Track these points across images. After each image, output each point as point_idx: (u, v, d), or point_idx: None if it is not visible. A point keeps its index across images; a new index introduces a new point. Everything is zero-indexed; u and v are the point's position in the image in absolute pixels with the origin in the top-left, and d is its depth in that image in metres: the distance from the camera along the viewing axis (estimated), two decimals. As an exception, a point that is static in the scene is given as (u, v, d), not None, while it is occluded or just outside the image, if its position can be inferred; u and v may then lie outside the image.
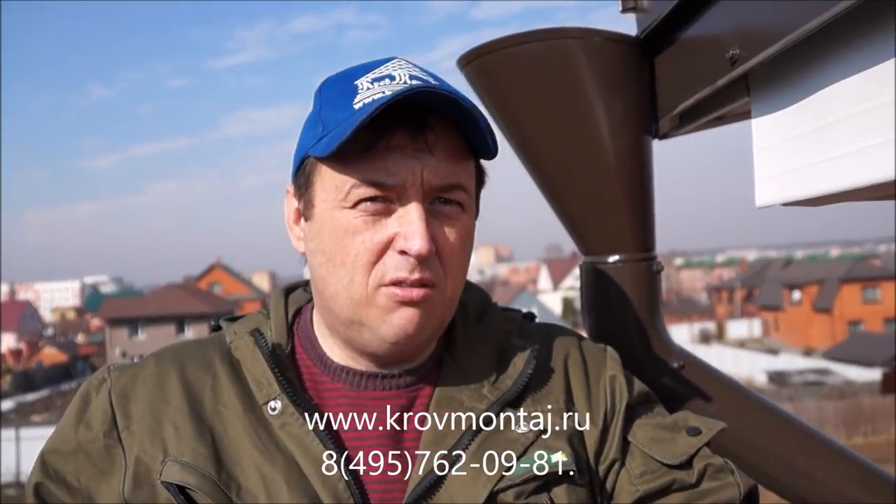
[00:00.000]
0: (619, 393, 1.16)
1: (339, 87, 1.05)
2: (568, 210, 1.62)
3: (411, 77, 1.03)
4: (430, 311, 1.05)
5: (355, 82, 1.04)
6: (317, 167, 1.05)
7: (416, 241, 1.00)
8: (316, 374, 1.12)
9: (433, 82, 1.03)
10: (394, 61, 1.06)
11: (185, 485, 1.01)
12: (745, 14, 1.28)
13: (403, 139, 1.01)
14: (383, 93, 0.99)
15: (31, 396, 46.76)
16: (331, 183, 1.03)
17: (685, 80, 1.47)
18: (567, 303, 75.03)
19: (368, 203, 1.02)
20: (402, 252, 1.01)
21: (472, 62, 1.60)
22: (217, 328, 1.20)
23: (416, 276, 1.02)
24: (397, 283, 1.02)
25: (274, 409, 1.06)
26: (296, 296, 1.21)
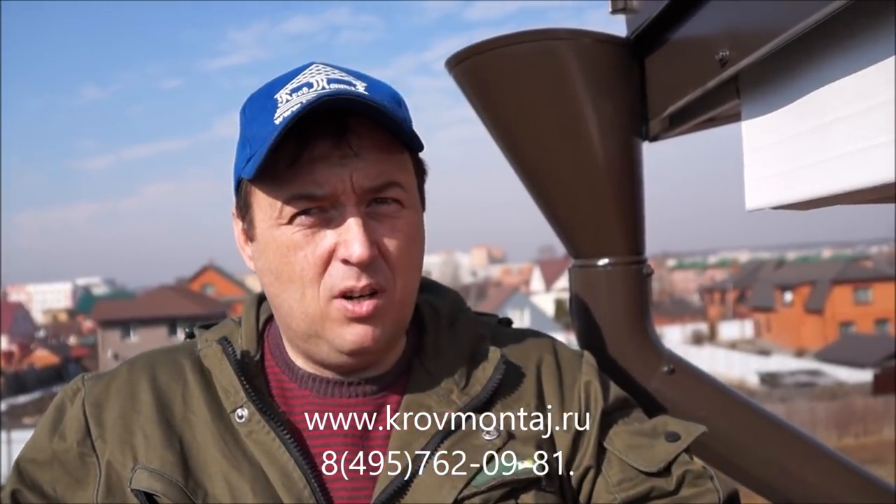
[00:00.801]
0: (593, 398, 1.15)
1: (259, 104, 1.04)
2: (557, 213, 1.61)
3: (329, 81, 1.02)
4: (383, 320, 1.04)
5: (275, 96, 1.03)
6: (251, 188, 1.05)
7: (356, 247, 0.99)
8: (284, 381, 1.12)
9: (350, 85, 1.02)
10: (311, 67, 1.05)
11: (153, 492, 1.01)
12: (735, 15, 1.26)
13: (326, 148, 1.00)
14: (301, 103, 0.98)
15: (22, 399, 46.54)
16: (265, 202, 1.03)
17: (675, 81, 1.46)
18: (560, 304, 75.08)
19: (303, 217, 1.01)
20: (345, 261, 1.01)
21: (460, 63, 1.59)
22: (192, 335, 1.20)
23: (363, 282, 1.01)
24: (347, 295, 1.02)
25: (241, 417, 1.06)
26: (268, 303, 1.20)
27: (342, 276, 1.01)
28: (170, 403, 1.09)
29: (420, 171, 1.11)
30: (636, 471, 1.12)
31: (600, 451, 1.13)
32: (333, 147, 1.00)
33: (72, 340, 77.91)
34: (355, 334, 1.03)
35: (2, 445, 25.68)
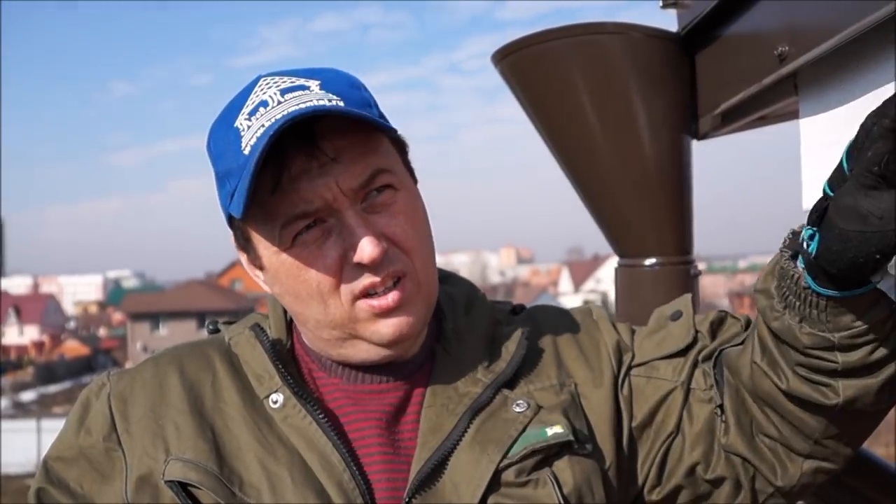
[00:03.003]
0: (621, 349, 1.16)
1: (222, 137, 1.02)
2: (603, 211, 1.58)
3: (283, 92, 1.00)
4: (413, 303, 1.04)
5: (234, 125, 1.01)
6: (243, 224, 1.04)
7: (366, 248, 0.98)
8: (314, 369, 1.11)
9: (304, 89, 1.00)
10: (260, 83, 1.03)
11: (188, 481, 1.00)
12: (794, 10, 1.24)
13: (302, 162, 0.98)
14: (263, 125, 0.97)
15: (52, 388, 47.24)
16: (262, 233, 1.02)
17: (728, 77, 1.43)
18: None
19: (304, 235, 1.00)
20: (359, 263, 1.00)
21: (506, 57, 1.57)
22: (216, 331, 1.20)
23: (382, 275, 1.00)
24: (371, 293, 1.01)
25: (275, 403, 1.06)
26: None
27: (359, 278, 1.00)
28: (200, 393, 1.08)
29: (399, 146, 1.08)
30: (675, 355, 1.13)
31: (638, 373, 1.15)
32: (309, 159, 0.98)
33: (102, 332, 78.82)
34: (390, 326, 1.02)
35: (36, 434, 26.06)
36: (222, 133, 1.02)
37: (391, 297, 1.01)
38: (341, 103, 0.98)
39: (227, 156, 1.01)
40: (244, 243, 1.07)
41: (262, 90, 1.01)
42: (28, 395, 43.87)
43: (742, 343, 1.06)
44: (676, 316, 1.18)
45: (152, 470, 1.03)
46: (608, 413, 1.11)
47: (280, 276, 1.03)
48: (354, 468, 1.02)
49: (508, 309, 1.22)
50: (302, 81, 1.01)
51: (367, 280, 1.00)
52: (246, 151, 0.97)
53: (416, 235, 1.04)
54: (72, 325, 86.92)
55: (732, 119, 1.56)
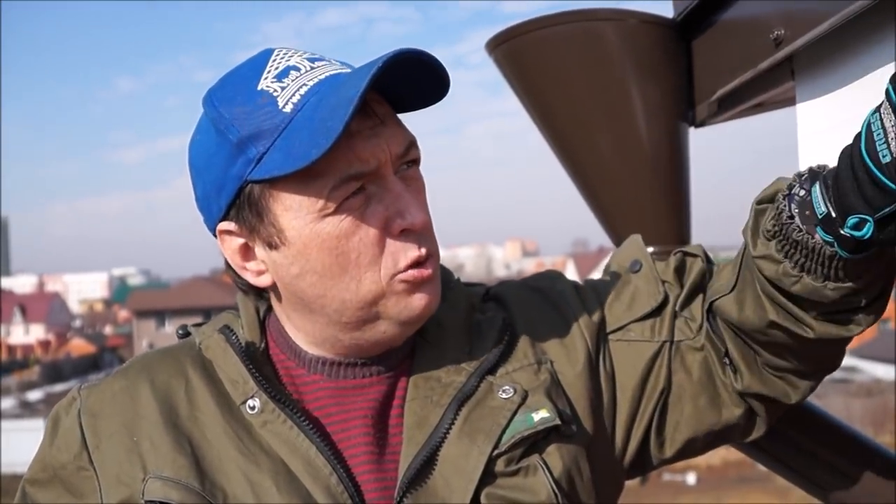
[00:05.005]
0: (595, 321, 1.13)
1: (242, 99, 0.98)
2: (600, 200, 1.57)
3: (310, 60, 0.99)
4: (437, 282, 1.03)
5: (257, 88, 0.97)
6: (267, 191, 0.97)
7: (415, 213, 0.97)
8: (291, 368, 1.07)
9: (330, 64, 1.00)
10: (275, 53, 1.00)
11: (168, 500, 0.96)
12: (790, -7, 1.21)
13: (356, 122, 0.93)
14: (306, 84, 0.95)
15: (59, 387, 47.25)
16: (298, 198, 0.96)
17: (725, 63, 1.41)
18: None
19: (351, 199, 0.96)
20: (403, 231, 0.97)
21: (500, 45, 1.55)
22: (186, 335, 1.14)
23: (424, 249, 0.99)
24: (415, 266, 0.99)
25: (253, 408, 1.01)
26: (265, 294, 1.13)
27: (405, 249, 0.98)
28: (173, 403, 1.03)
29: None
30: (650, 315, 1.12)
31: (616, 338, 1.13)
32: (364, 119, 0.95)
33: (107, 330, 78.98)
34: (422, 299, 1.00)
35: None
36: (240, 96, 0.98)
37: (430, 268, 1.00)
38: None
39: (253, 116, 0.96)
40: (255, 219, 0.99)
41: (282, 58, 0.99)
42: (35, 395, 43.87)
43: (732, 290, 1.04)
44: (636, 267, 1.16)
45: (132, 490, 0.99)
46: (585, 388, 1.09)
47: (311, 250, 0.97)
48: (341, 470, 0.99)
49: (482, 292, 1.19)
50: (317, 55, 1.01)
51: (412, 252, 0.98)
52: (287, 109, 0.94)
53: (430, 216, 1.03)
54: (77, 323, 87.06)
55: (729, 106, 1.54)
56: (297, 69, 0.97)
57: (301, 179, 0.95)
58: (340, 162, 0.94)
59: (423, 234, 1.00)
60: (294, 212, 0.96)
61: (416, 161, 1.02)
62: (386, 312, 1.00)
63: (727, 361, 1.09)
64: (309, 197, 0.95)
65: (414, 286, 0.99)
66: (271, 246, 1.00)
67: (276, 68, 0.98)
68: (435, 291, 1.02)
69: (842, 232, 0.86)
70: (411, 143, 1.00)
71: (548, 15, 1.49)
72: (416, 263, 0.99)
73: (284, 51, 1.01)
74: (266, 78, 0.97)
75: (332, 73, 0.97)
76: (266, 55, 1.00)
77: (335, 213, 0.95)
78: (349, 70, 0.99)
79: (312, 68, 0.97)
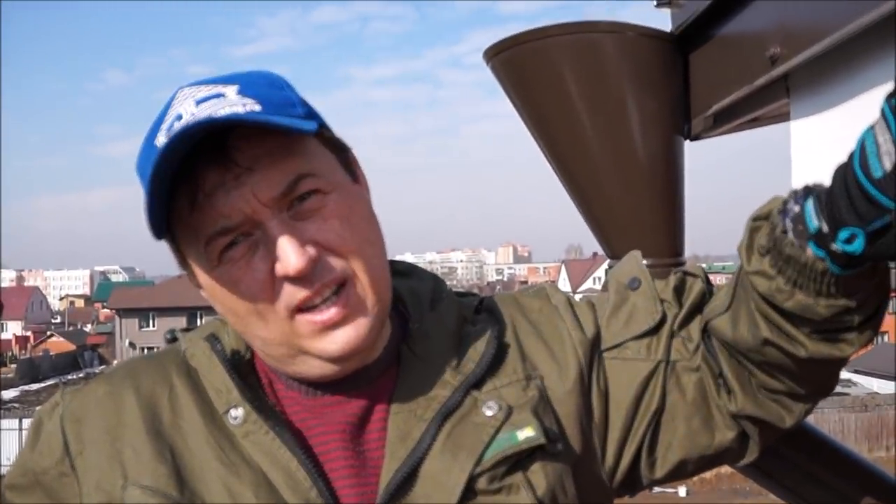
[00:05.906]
0: (590, 339, 1.11)
1: (145, 156, 0.97)
2: (594, 212, 1.58)
3: (197, 103, 0.93)
4: (361, 311, 0.98)
5: (154, 143, 0.95)
6: (175, 245, 1.00)
7: (290, 259, 0.92)
8: (274, 380, 1.06)
9: (219, 97, 0.94)
10: (178, 95, 0.97)
11: None
12: (787, 12, 1.23)
13: (216, 176, 0.92)
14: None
15: (36, 386, 46.83)
16: (191, 253, 0.98)
17: (721, 78, 1.43)
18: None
19: (230, 251, 0.95)
20: (286, 276, 0.94)
21: (498, 55, 1.56)
22: (174, 340, 1.13)
23: (317, 286, 0.95)
24: (308, 308, 0.96)
25: (235, 418, 1.00)
26: None
27: (292, 292, 0.95)
28: (157, 411, 1.03)
29: (334, 145, 1.03)
30: (647, 334, 1.10)
31: (610, 358, 1.11)
32: (222, 172, 0.93)
33: (88, 328, 78.37)
34: (337, 342, 0.97)
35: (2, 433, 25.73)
36: (147, 151, 0.97)
37: (333, 311, 0.96)
38: (258, 107, 0.92)
39: (146, 174, 0.94)
40: (182, 263, 1.02)
41: (178, 103, 0.96)
42: (10, 393, 43.45)
43: (727, 309, 1.03)
44: (635, 284, 1.14)
45: (112, 496, 0.99)
46: (576, 405, 1.07)
47: (216, 295, 0.99)
48: (321, 484, 0.97)
49: (475, 304, 1.17)
50: (219, 89, 0.95)
51: (300, 294, 0.95)
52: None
53: (355, 238, 0.98)
54: (57, 320, 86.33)
55: (725, 120, 1.55)
56: (180, 118, 0.93)
57: (185, 237, 0.97)
58: (206, 219, 0.93)
59: (321, 267, 0.95)
60: (194, 263, 0.99)
61: (316, 190, 0.96)
62: (308, 350, 0.98)
63: (721, 382, 1.08)
64: (194, 252, 0.98)
65: (324, 327, 0.96)
66: (198, 286, 1.02)
67: (170, 116, 0.95)
68: (353, 330, 0.97)
69: (833, 246, 0.86)
70: (298, 177, 0.95)
71: (547, 26, 1.50)
72: (310, 307, 0.96)
73: (185, 92, 0.97)
74: (162, 130, 0.95)
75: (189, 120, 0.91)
76: (172, 98, 0.98)
77: (220, 264, 0.96)
78: (233, 104, 0.93)
79: (193, 114, 0.92)
